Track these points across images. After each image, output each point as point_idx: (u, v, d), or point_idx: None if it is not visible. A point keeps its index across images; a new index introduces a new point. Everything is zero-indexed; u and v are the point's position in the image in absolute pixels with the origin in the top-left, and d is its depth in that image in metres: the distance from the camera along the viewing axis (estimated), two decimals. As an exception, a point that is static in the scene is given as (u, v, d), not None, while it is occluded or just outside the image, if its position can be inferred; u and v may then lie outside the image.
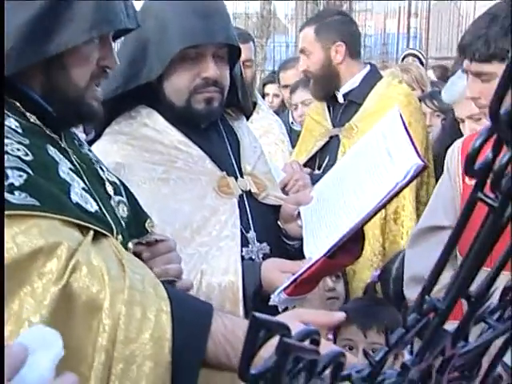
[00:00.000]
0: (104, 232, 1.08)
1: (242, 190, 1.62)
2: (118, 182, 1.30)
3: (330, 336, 1.90)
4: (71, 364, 0.88)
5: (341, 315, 1.14)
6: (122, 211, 1.24)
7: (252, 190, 1.63)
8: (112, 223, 1.14)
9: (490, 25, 1.70)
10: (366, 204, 1.37)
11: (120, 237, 1.15)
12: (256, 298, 1.48)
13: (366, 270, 2.57)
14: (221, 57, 1.59)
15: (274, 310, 1.41)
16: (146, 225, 1.31)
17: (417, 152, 1.35)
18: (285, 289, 1.38)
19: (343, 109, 2.78)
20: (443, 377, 0.62)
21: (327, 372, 0.46)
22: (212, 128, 1.67)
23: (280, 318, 1.12)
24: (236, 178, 1.63)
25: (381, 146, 1.44)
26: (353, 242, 1.44)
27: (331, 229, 1.43)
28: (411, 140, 1.38)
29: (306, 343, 0.44)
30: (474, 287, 0.62)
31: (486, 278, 0.61)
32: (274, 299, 1.39)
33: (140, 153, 1.59)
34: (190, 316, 1.03)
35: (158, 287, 1.03)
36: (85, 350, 0.95)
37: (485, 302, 0.64)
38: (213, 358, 1.01)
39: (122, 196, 1.27)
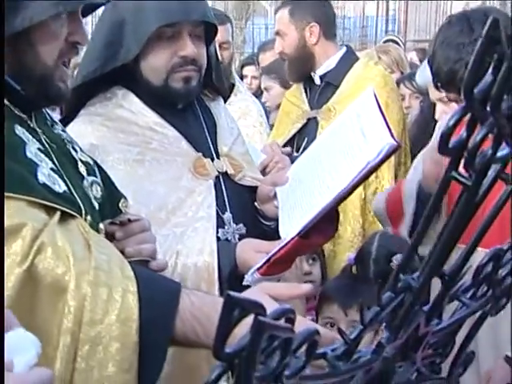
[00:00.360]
0: (72, 213, 1.07)
1: (219, 171, 1.62)
2: (91, 163, 1.28)
3: (310, 316, 1.92)
4: None
5: (307, 287, 1.15)
6: (96, 191, 1.23)
7: (228, 172, 1.63)
8: (81, 204, 1.13)
9: (465, 56, 1.76)
10: (340, 184, 1.37)
11: (89, 217, 1.14)
12: (231, 278, 1.48)
13: (346, 251, 2.59)
14: (198, 35, 1.58)
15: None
16: (120, 205, 1.30)
17: (390, 132, 1.35)
18: (258, 268, 1.39)
19: (320, 91, 2.79)
20: (417, 354, 0.63)
21: (302, 350, 0.47)
22: (188, 109, 1.66)
23: (248, 292, 1.12)
24: (212, 159, 1.63)
25: (355, 125, 1.44)
26: (327, 222, 1.45)
27: (306, 209, 1.43)
28: (385, 120, 1.39)
29: (281, 322, 0.44)
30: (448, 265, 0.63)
31: (460, 256, 0.61)
32: (247, 279, 1.40)
33: (115, 134, 1.58)
34: (157, 295, 1.02)
35: (124, 267, 1.02)
36: (50, 331, 0.95)
37: (458, 281, 0.65)
38: (181, 335, 1.01)
39: (96, 176, 1.26)
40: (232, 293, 0.40)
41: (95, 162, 1.31)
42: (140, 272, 1.04)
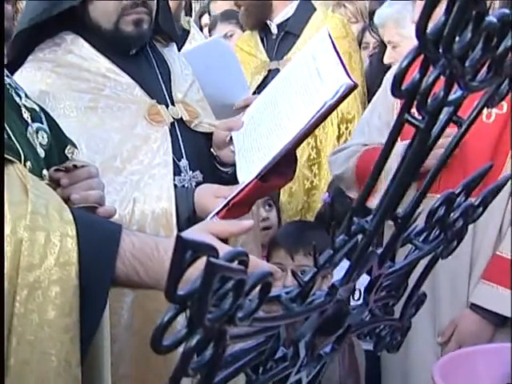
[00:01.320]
0: (9, 158, 1.04)
1: (174, 118, 1.60)
2: (37, 109, 1.25)
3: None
4: None
5: (248, 223, 1.16)
6: (42, 138, 1.20)
7: (184, 118, 1.61)
8: (20, 149, 1.10)
9: None
10: (298, 125, 1.37)
11: (29, 163, 1.12)
12: (190, 223, 1.47)
13: (319, 202, 2.64)
14: None
15: None
16: (66, 151, 1.28)
17: (346, 71, 1.35)
18: (218, 213, 1.39)
19: (279, 41, 2.75)
20: (370, 296, 0.64)
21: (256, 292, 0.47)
22: (141, 55, 1.62)
23: (190, 231, 1.13)
24: (167, 106, 1.60)
25: (311, 67, 1.43)
26: (286, 165, 1.45)
27: (264, 152, 1.43)
28: (341, 60, 1.38)
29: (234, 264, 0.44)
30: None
31: (412, 200, 0.62)
32: None
33: (66, 81, 1.53)
34: (97, 238, 1.01)
35: (63, 211, 1.01)
36: None
37: (411, 224, 0.65)
38: (123, 276, 1.01)
39: (42, 123, 1.23)
40: (183, 235, 0.40)
41: (42, 109, 1.28)
42: (79, 215, 1.02)
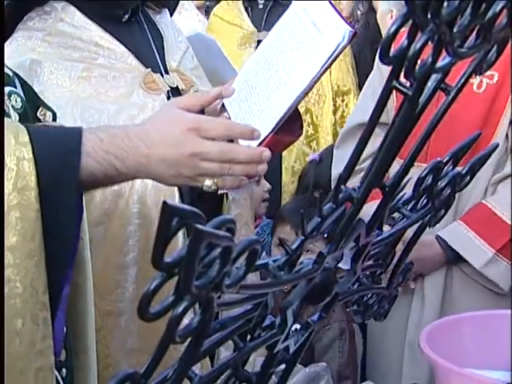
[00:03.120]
0: None
1: (170, 87, 1.58)
2: (10, 74, 1.24)
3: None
4: None
5: (216, 90, 1.20)
6: (15, 102, 1.18)
7: (180, 87, 1.58)
8: None
9: None
10: (301, 80, 1.34)
11: None
12: (193, 190, 1.46)
13: None
14: None
15: (213, 201, 1.42)
16: (38, 113, 1.26)
17: (344, 19, 1.32)
18: None
19: (268, 11, 2.71)
20: (357, 264, 0.64)
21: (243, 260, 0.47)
22: (134, 22, 1.59)
23: (161, 109, 1.12)
24: (162, 75, 1.58)
25: (304, 20, 1.40)
26: (292, 123, 1.43)
27: (266, 112, 1.40)
28: (336, 9, 1.35)
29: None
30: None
31: (400, 168, 0.62)
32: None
33: (58, 50, 1.50)
34: (56, 154, 0.98)
35: (20, 133, 0.97)
36: None
37: (399, 192, 0.66)
38: (101, 175, 0.99)
39: (16, 87, 1.22)
40: (169, 201, 0.39)
41: (16, 74, 1.26)
42: (36, 132, 0.99)
